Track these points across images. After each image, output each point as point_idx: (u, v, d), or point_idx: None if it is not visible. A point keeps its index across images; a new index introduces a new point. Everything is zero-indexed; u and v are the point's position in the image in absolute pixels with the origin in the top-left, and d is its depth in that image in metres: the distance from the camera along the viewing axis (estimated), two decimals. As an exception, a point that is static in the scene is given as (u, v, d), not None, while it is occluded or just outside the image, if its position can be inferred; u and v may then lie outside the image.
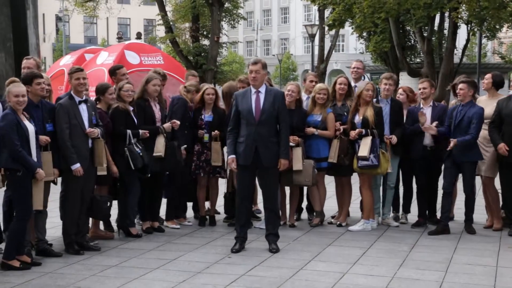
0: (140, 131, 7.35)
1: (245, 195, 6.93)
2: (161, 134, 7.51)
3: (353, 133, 7.68)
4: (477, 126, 7.49)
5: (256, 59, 7.04)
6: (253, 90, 6.89)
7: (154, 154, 7.41)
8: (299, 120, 7.83)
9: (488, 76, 8.04)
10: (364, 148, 7.58)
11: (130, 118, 7.37)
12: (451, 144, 7.42)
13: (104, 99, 7.32)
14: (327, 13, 25.14)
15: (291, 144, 7.42)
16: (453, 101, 8.51)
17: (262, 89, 6.89)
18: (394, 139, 7.82)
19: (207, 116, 7.99)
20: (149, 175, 7.42)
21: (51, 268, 6.20)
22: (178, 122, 7.59)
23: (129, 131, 7.28)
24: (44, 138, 6.32)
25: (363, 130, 7.63)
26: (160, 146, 7.45)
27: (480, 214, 8.23)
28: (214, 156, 7.92)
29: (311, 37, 27.82)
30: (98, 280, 5.85)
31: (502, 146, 7.48)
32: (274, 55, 54.55)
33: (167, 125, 7.56)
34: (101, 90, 7.35)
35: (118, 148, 7.25)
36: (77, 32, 50.41)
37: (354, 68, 8.64)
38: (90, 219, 7.27)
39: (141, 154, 7.26)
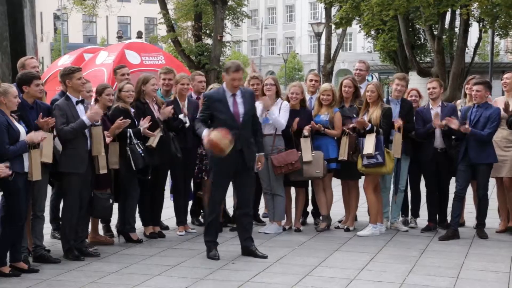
0: (141, 127, 7.18)
1: (221, 200, 7.02)
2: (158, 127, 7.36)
3: (357, 122, 7.52)
4: (495, 126, 7.37)
5: (238, 65, 6.71)
6: (229, 93, 6.68)
7: (146, 144, 7.24)
8: (305, 120, 7.73)
9: (509, 75, 7.85)
10: (368, 145, 7.48)
11: (130, 118, 7.20)
12: (466, 125, 7.24)
13: (101, 100, 7.15)
14: (333, 10, 24.96)
15: (304, 132, 7.52)
16: (458, 101, 8.32)
17: (238, 92, 6.72)
18: (398, 120, 7.64)
19: None
20: (149, 177, 7.27)
21: (49, 275, 6.06)
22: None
23: (129, 130, 7.13)
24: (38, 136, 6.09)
25: (369, 124, 7.50)
26: (152, 138, 7.28)
27: (492, 219, 8.08)
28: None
29: (317, 35, 27.63)
30: (97, 287, 5.72)
31: None
32: (279, 54, 54.47)
33: (167, 109, 7.41)
34: (99, 91, 7.17)
35: (119, 149, 7.07)
36: (76, 31, 50.21)
37: (356, 70, 8.64)
38: (89, 224, 7.13)
39: (142, 154, 7.12)
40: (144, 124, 7.18)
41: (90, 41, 49.14)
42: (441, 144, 7.76)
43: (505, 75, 7.89)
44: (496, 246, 7.23)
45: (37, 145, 6.05)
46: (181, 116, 7.62)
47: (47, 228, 6.89)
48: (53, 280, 5.92)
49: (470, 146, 7.39)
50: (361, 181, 8.02)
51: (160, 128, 7.36)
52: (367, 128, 7.53)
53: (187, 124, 7.63)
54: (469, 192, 7.89)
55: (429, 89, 7.91)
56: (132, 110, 7.28)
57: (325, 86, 8.03)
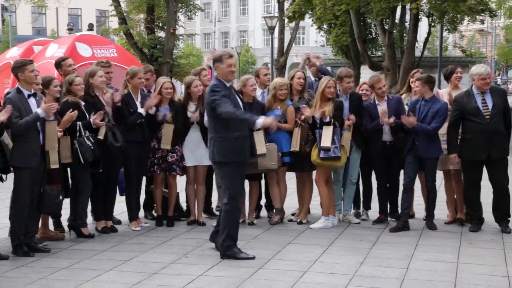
0: (92, 118, 7.06)
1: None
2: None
3: (321, 112, 7.52)
4: (441, 120, 7.49)
5: (230, 52, 6.78)
6: (228, 84, 6.67)
7: (97, 137, 7.14)
8: (258, 113, 7.61)
9: (461, 69, 8.08)
10: (326, 138, 7.51)
11: (81, 111, 7.08)
12: (410, 119, 7.39)
13: (49, 93, 6.99)
14: (287, 4, 25.04)
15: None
16: (403, 95, 8.45)
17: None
18: (352, 117, 7.72)
19: (163, 109, 7.78)
20: (101, 170, 7.15)
21: (-3, 272, 5.95)
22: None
23: (79, 123, 7.01)
24: None
25: (328, 116, 7.51)
26: (101, 129, 7.18)
27: (441, 210, 8.22)
28: (164, 138, 7.68)
29: (271, 29, 27.70)
30: (47, 284, 5.64)
31: (454, 157, 7.54)
32: (232, 47, 54.29)
33: (107, 95, 7.31)
34: (45, 83, 6.99)
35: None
36: (24, 23, 48.82)
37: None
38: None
39: (92, 147, 6.99)
40: (95, 118, 7.08)
41: (40, 33, 47.86)
42: (390, 137, 7.85)
43: (458, 69, 8.07)
44: (444, 237, 7.36)
45: None
46: (140, 110, 7.54)
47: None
48: (2, 277, 5.80)
49: (419, 140, 7.52)
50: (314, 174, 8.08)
51: (106, 121, 7.25)
52: (325, 120, 7.57)
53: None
54: (418, 184, 8.02)
55: (384, 85, 7.98)
56: (83, 103, 7.17)
57: (281, 81, 7.97)
